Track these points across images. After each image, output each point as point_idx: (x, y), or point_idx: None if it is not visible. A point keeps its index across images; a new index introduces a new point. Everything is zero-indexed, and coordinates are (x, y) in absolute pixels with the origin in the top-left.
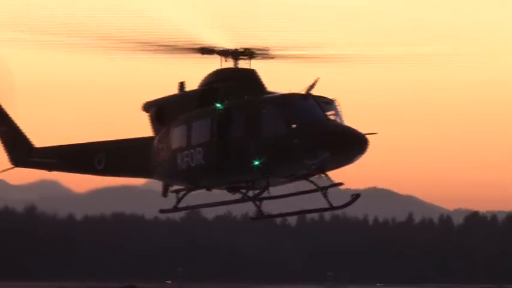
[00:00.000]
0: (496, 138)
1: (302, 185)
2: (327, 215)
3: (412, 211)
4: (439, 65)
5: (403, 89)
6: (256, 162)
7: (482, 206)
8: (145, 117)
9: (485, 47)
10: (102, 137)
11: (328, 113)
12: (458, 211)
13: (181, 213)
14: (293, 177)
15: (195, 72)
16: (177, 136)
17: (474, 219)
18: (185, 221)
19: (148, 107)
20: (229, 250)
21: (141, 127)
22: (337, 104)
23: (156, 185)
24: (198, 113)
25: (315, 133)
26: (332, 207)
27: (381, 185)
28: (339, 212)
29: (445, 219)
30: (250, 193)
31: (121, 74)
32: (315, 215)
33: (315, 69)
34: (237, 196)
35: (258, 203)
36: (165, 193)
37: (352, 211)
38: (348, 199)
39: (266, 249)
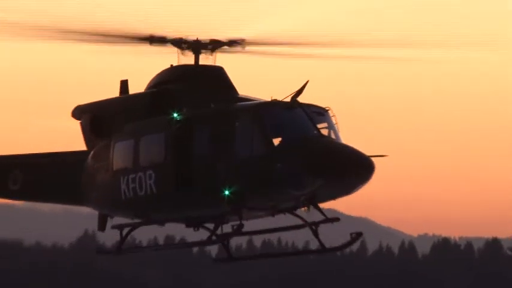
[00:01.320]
0: (472, 147)
1: (285, 218)
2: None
3: (364, 237)
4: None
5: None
6: (226, 192)
7: (454, 231)
8: (76, 125)
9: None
10: (19, 149)
11: (321, 126)
12: (423, 237)
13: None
14: (274, 210)
15: (142, 68)
16: (120, 154)
17: (444, 247)
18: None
19: (80, 112)
20: None
21: (72, 137)
22: (331, 114)
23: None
24: (149, 123)
25: (304, 154)
26: (325, 249)
27: (324, 204)
28: (271, 236)
29: (408, 247)
30: (218, 230)
31: (48, 68)
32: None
33: (303, 68)
34: (200, 233)
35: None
36: (102, 226)
37: (289, 236)
38: (347, 238)
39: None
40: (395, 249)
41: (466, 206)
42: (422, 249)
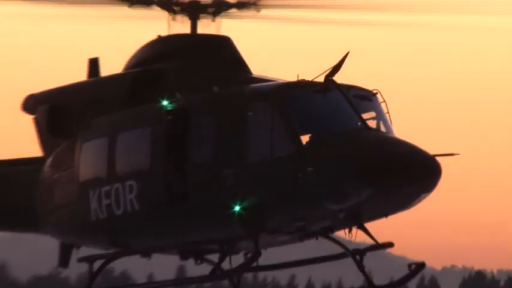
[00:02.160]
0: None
1: (318, 245)
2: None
3: (370, 269)
4: None
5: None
6: (236, 208)
7: (490, 263)
8: (29, 121)
9: None
10: None
11: (367, 116)
12: (449, 270)
13: None
14: (303, 234)
15: (118, 41)
16: (89, 158)
17: (477, 283)
18: None
19: (33, 103)
20: None
21: (22, 138)
22: (379, 100)
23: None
24: (129, 116)
25: (345, 153)
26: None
27: None
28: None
29: (429, 283)
30: (226, 262)
31: None
32: None
33: (338, 37)
34: (202, 267)
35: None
36: (64, 260)
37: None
38: (406, 271)
39: None
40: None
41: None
42: (448, 287)
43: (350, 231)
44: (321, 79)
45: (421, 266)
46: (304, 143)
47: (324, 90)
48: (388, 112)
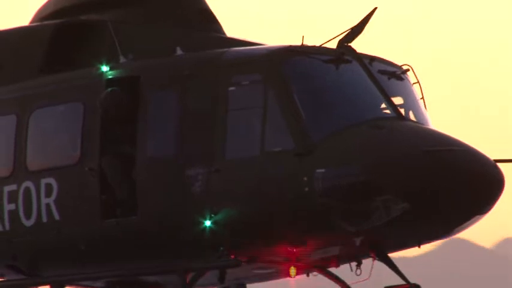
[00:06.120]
0: None
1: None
2: None
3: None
4: None
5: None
6: (206, 224)
7: None
8: None
9: None
10: None
11: (397, 99)
12: None
13: None
14: (297, 266)
15: None
16: None
17: None
18: None
19: None
20: None
21: None
22: (410, 79)
23: None
24: (48, 86)
25: (369, 152)
26: None
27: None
28: None
29: None
30: None
31: None
32: None
33: None
34: None
35: None
36: None
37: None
38: None
39: None
40: None
41: None
42: None
43: (359, 264)
44: (333, 44)
45: None
46: (309, 134)
47: (339, 60)
48: (422, 97)
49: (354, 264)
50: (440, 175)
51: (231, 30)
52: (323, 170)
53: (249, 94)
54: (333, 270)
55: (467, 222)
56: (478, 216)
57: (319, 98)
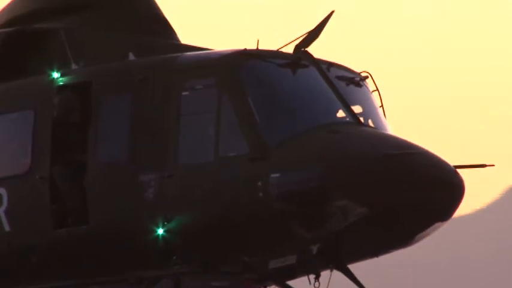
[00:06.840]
0: None
1: None
2: None
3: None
4: None
5: None
6: (159, 232)
7: None
8: None
9: None
10: None
11: (358, 108)
12: None
13: None
14: (251, 277)
15: None
16: None
17: None
18: None
19: None
20: None
21: None
22: (369, 86)
23: None
24: (0, 95)
25: (327, 158)
26: None
27: None
28: None
29: None
30: None
31: None
32: None
33: None
34: None
35: None
36: None
37: None
38: None
39: None
40: None
41: None
42: None
43: (318, 277)
44: (290, 48)
45: None
46: (264, 139)
47: (295, 65)
48: (382, 105)
49: (312, 276)
50: (399, 180)
51: (186, 37)
52: (278, 175)
53: (203, 99)
54: (290, 283)
55: (428, 230)
56: (440, 223)
57: (275, 103)
